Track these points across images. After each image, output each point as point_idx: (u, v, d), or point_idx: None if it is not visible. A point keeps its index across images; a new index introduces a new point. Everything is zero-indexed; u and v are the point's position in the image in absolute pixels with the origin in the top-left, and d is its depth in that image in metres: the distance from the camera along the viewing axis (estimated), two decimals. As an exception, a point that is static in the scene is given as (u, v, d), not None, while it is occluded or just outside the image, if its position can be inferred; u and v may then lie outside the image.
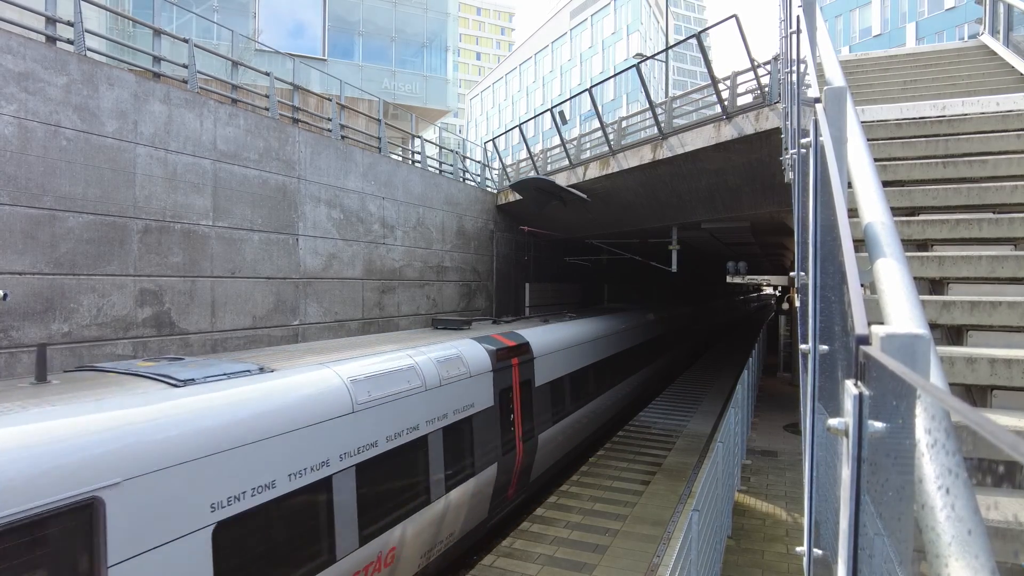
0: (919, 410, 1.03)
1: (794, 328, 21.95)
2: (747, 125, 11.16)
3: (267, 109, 12.76)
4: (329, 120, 14.64)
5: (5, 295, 7.09)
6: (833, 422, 1.31)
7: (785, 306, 23.31)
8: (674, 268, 18.70)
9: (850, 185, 2.75)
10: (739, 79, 12.39)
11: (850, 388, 1.28)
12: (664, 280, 32.70)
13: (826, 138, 2.47)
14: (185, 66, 11.25)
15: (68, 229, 8.50)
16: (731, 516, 9.66)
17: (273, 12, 23.29)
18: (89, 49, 9.57)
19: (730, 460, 9.57)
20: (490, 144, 21.87)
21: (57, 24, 9.39)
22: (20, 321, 7.85)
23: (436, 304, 16.66)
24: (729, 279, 18.27)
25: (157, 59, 11.12)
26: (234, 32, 15.73)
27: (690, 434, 16.16)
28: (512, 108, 79.12)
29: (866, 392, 1.21)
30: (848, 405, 1.27)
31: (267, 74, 13.21)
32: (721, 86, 11.84)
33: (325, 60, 23.34)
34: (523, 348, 12.12)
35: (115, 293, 8.98)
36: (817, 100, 2.81)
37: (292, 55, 19.14)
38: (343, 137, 14.64)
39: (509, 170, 21.92)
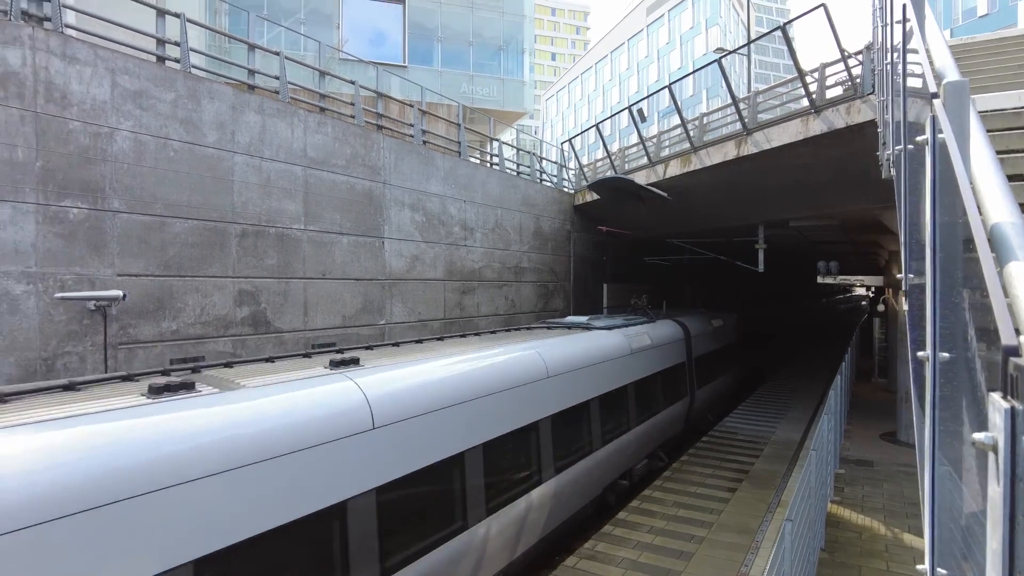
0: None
1: (890, 331, 20.73)
2: (837, 119, 10.65)
3: (353, 117, 13.22)
4: (411, 126, 15.01)
5: (124, 295, 7.68)
6: (979, 436, 1.23)
7: (880, 308, 22.02)
8: (760, 268, 18.06)
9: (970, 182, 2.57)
10: (828, 71, 11.83)
11: (998, 401, 1.20)
12: (752, 281, 31.58)
13: (947, 135, 2.32)
14: (277, 77, 11.80)
15: (175, 234, 9.11)
16: (824, 527, 9.23)
17: (355, 22, 24.09)
18: (192, 66, 10.22)
19: (823, 469, 9.15)
20: (567, 144, 21.82)
21: (166, 45, 10.09)
22: (136, 319, 8.49)
23: (514, 304, 16.78)
24: (820, 279, 17.44)
25: (252, 72, 11.73)
26: (320, 43, 16.39)
27: (778, 441, 15.56)
28: (588, 107, 78.62)
29: (1019, 406, 1.13)
30: (997, 419, 1.20)
31: (352, 82, 13.69)
32: (808, 79, 11.35)
33: (406, 67, 23.94)
34: None
35: (216, 293, 9.56)
36: (935, 95, 2.65)
37: (374, 63, 19.77)
38: (424, 142, 14.99)
39: (586, 170, 21.80)
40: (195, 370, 6.63)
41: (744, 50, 32.61)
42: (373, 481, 6.03)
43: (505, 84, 25.71)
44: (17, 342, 7.44)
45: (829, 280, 17.35)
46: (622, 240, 21.97)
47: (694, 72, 15.75)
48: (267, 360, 7.54)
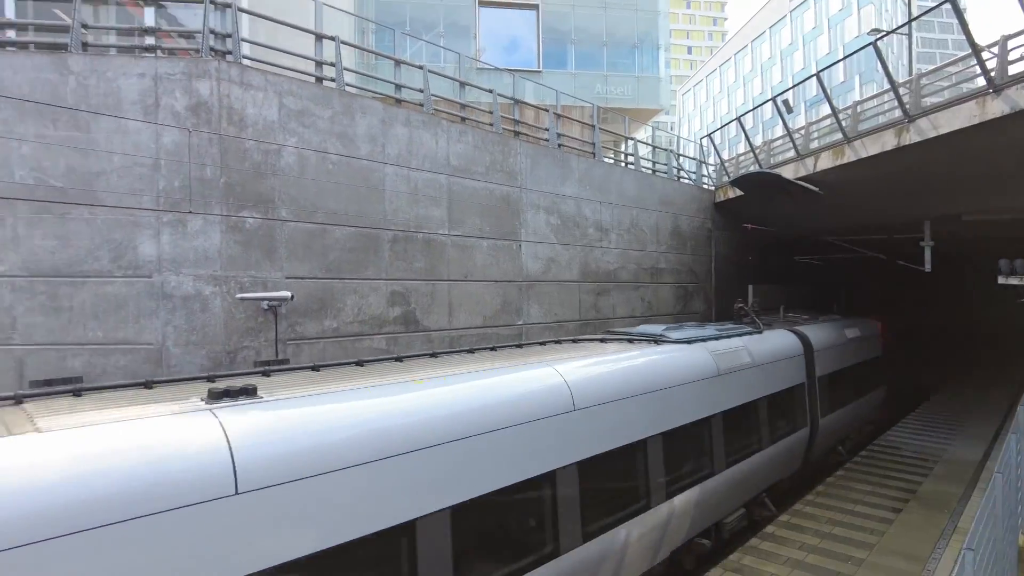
0: None
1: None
2: (1023, 98, 9.42)
3: (491, 125, 13.62)
4: (546, 130, 15.21)
5: (292, 296, 8.46)
6: None
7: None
8: (927, 267, 16.36)
9: None
10: (1010, 43, 10.43)
11: None
12: (917, 282, 28.63)
13: None
14: (421, 90, 12.41)
15: (335, 240, 9.88)
16: (1017, 563, 8.17)
17: (491, 31, 24.81)
18: (346, 84, 11.02)
19: (1012, 495, 8.11)
20: (705, 139, 21.06)
21: (323, 66, 10.96)
22: (302, 318, 9.34)
23: (651, 306, 16.45)
24: (1002, 281, 15.44)
25: (398, 86, 12.44)
26: (460, 55, 17.06)
27: (952, 460, 14.00)
28: (728, 100, 75.30)
29: None
30: None
31: (490, 91, 14.10)
32: (984, 54, 10.12)
33: (540, 71, 24.27)
34: None
35: (372, 295, 10.27)
36: None
37: (510, 70, 20.21)
38: (559, 145, 15.12)
39: (727, 165, 20.91)
40: (18, 400, 5.16)
41: (904, 29, 29.71)
42: (241, 567, 4.26)
43: (640, 82, 25.30)
44: (207, 337, 8.45)
45: (1014, 281, 15.31)
46: (769, 239, 20.82)
47: (845, 58, 14.67)
48: (144, 385, 5.84)
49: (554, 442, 6.74)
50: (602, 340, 10.45)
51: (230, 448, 4.39)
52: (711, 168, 21.57)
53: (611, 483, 7.56)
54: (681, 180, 19.67)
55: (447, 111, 13.28)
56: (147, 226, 8.45)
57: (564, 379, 7.24)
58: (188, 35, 10.89)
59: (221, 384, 5.34)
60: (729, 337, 11.32)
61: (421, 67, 12.82)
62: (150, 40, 10.06)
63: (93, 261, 8.35)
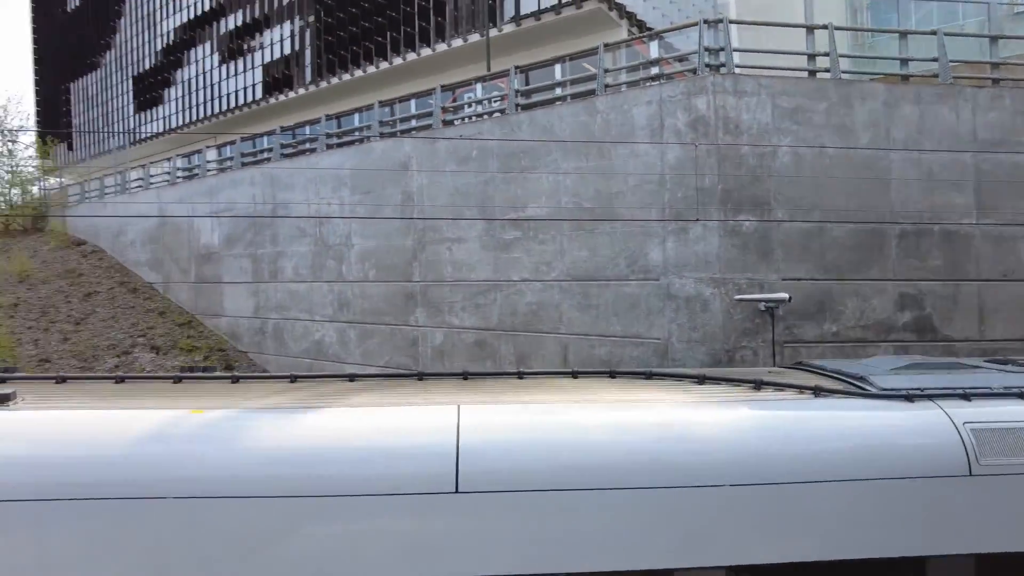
0: None
1: None
2: None
3: (1038, 80, 10.79)
4: None
5: (789, 298, 8.38)
6: None
7: None
8: None
9: None
10: None
11: None
12: None
13: None
14: (934, 59, 10.69)
15: (833, 239, 9.38)
16: None
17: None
18: (842, 72, 10.28)
19: None
20: None
21: (816, 59, 10.48)
22: (799, 320, 9.17)
23: None
24: None
25: (903, 61, 10.99)
26: (989, 3, 13.98)
27: None
28: None
29: None
30: None
31: (1036, 39, 11.20)
32: None
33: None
34: None
35: (875, 297, 9.37)
36: None
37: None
38: None
39: None
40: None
41: None
42: None
43: None
44: (707, 335, 9.08)
45: None
46: None
47: None
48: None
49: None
50: (698, 380, 4.70)
51: None
52: None
53: None
54: None
55: (972, 76, 11.10)
56: (654, 235, 9.57)
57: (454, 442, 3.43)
58: (682, 58, 11.88)
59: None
60: None
61: (933, 32, 11.05)
62: (654, 70, 11.36)
63: (613, 267, 9.91)
